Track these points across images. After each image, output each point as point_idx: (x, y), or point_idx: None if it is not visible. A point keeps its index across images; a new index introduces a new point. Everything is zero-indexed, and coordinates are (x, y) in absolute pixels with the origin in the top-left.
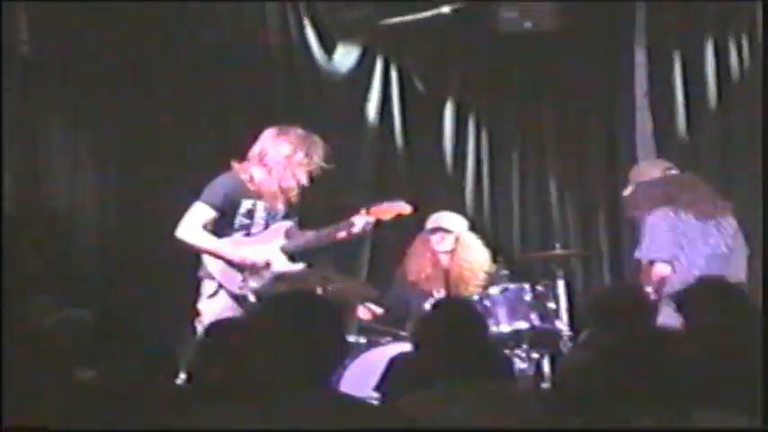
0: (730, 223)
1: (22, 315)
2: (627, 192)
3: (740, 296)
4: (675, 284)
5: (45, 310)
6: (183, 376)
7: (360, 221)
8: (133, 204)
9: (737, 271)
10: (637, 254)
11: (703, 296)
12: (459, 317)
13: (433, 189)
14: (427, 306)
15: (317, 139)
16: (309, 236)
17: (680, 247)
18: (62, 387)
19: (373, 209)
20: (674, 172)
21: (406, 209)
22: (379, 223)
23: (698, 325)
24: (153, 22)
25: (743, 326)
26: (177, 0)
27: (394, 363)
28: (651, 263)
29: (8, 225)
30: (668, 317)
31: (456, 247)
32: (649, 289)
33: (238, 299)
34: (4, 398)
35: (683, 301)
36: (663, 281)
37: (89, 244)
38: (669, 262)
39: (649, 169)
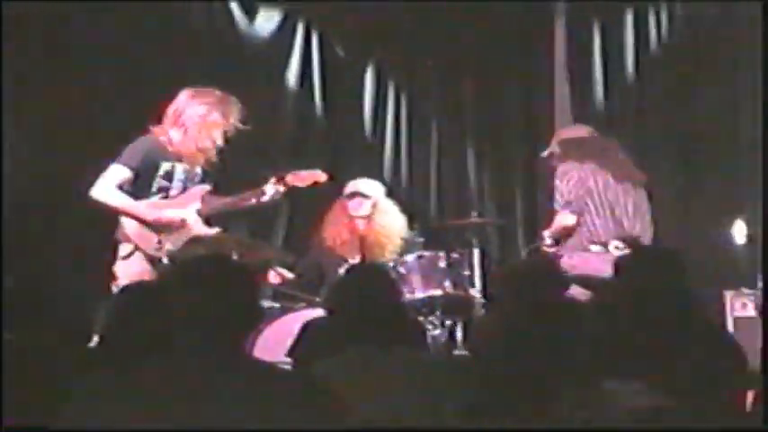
0: (639, 192)
1: None
2: (549, 152)
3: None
4: (581, 238)
5: None
6: (95, 339)
7: (270, 190)
8: (49, 168)
9: (644, 229)
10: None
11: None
12: (371, 282)
13: (352, 155)
14: (341, 271)
15: (233, 99)
16: (225, 201)
17: (587, 201)
18: None
19: (289, 176)
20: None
21: (321, 177)
22: (294, 190)
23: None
24: None
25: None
26: None
27: (307, 328)
28: (555, 212)
29: None
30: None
31: (373, 213)
32: (546, 233)
33: (153, 261)
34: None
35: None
36: (566, 230)
37: (5, 208)
38: (575, 213)
39: (575, 130)
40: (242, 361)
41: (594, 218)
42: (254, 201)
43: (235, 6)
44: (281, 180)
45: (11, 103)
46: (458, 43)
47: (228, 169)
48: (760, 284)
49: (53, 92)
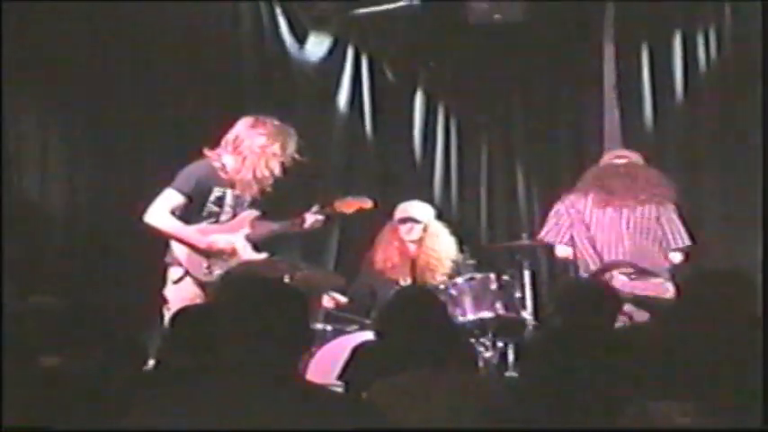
0: (646, 211)
1: None
2: None
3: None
4: (587, 266)
5: (15, 297)
6: (151, 362)
7: (310, 218)
8: (103, 192)
9: (641, 255)
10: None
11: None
12: (420, 305)
13: (402, 178)
14: (390, 294)
15: (291, 131)
16: (272, 227)
17: (574, 230)
18: (28, 374)
19: (336, 202)
20: (618, 161)
21: (367, 203)
22: (329, 217)
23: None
24: (126, 11)
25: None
26: None
27: (357, 352)
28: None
29: None
30: None
31: (423, 237)
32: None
33: (203, 286)
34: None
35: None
36: (568, 261)
37: (58, 232)
38: (568, 245)
39: (604, 158)
40: (296, 383)
41: (592, 246)
42: (296, 228)
43: (285, 32)
44: (328, 206)
45: (68, 131)
46: (508, 66)
47: (281, 194)
48: None
49: (112, 120)
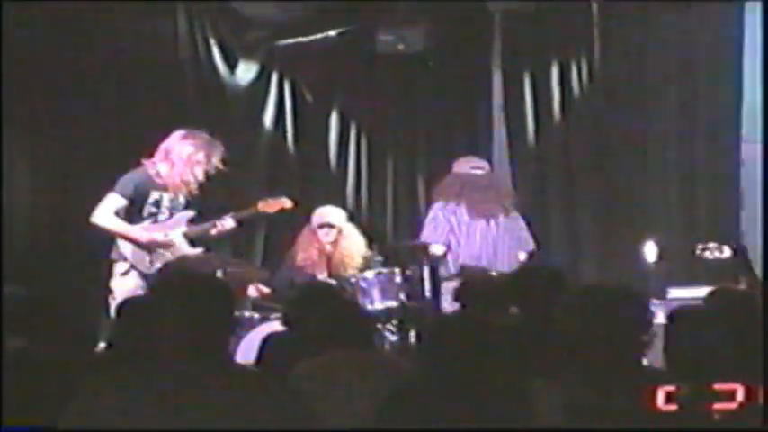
0: (510, 223)
1: None
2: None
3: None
4: (450, 265)
5: None
6: (102, 345)
7: (228, 224)
8: (60, 195)
9: (502, 264)
10: (421, 236)
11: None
12: (325, 296)
13: (319, 185)
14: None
15: (217, 144)
16: (202, 227)
17: (453, 234)
18: None
19: (260, 203)
20: (478, 172)
21: (287, 203)
22: (240, 225)
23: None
24: (79, 37)
25: None
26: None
27: (266, 341)
28: (427, 244)
29: None
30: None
31: (338, 238)
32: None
33: (146, 277)
34: (3, 398)
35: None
36: (437, 258)
37: (21, 229)
38: (444, 244)
39: (461, 164)
40: (224, 364)
41: (459, 247)
42: (214, 231)
43: (218, 59)
44: (252, 207)
45: (31, 141)
46: (410, 89)
47: (215, 197)
48: (668, 296)
49: (66, 133)
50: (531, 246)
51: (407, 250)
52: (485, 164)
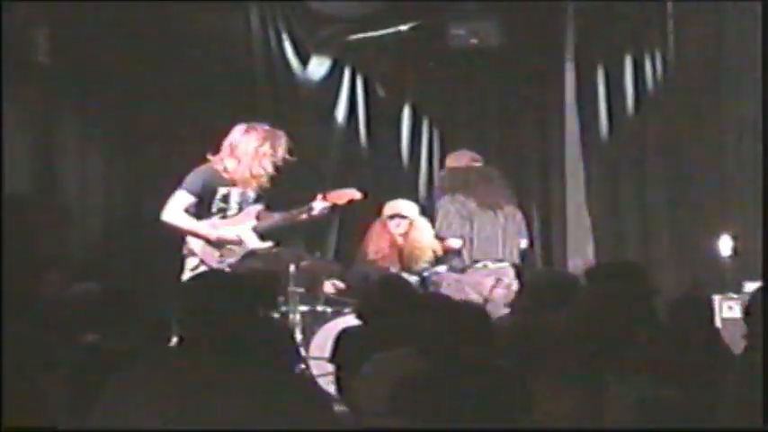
0: (511, 213)
1: (35, 289)
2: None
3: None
4: (465, 258)
5: (58, 284)
6: (175, 339)
7: (318, 206)
8: (133, 192)
9: (510, 253)
10: (435, 232)
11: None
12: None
13: (392, 180)
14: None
15: (281, 133)
16: (277, 217)
17: (467, 227)
18: (73, 349)
19: (330, 194)
20: (478, 164)
21: (356, 194)
22: (335, 207)
23: None
24: (156, 35)
25: None
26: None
27: (341, 337)
28: (443, 238)
29: (26, 211)
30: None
31: (409, 230)
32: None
33: None
34: (3, 398)
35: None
36: (453, 251)
37: (96, 226)
38: (460, 237)
39: (458, 158)
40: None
41: (473, 241)
42: (304, 215)
43: (291, 55)
44: (325, 197)
45: (105, 140)
46: (482, 82)
47: (285, 193)
48: (745, 290)
49: (140, 131)
50: (525, 238)
51: None
52: (479, 157)
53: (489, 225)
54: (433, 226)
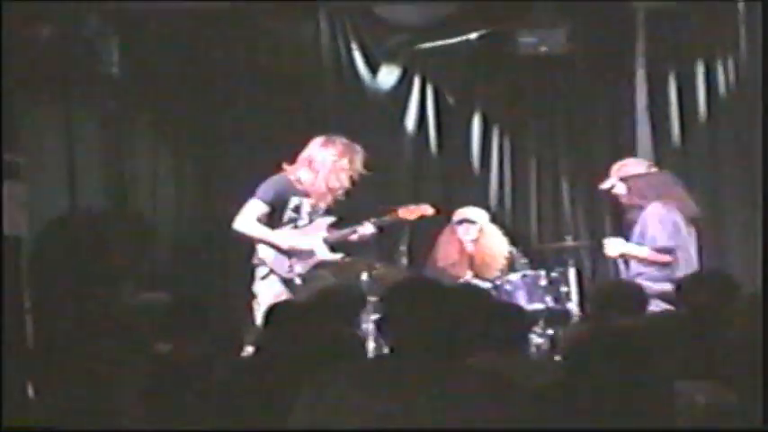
0: (694, 227)
1: (110, 299)
2: (610, 184)
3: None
4: (682, 270)
5: (130, 294)
6: (249, 349)
7: (363, 230)
8: (204, 201)
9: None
10: (650, 242)
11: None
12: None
13: (463, 188)
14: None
15: (358, 148)
16: (342, 232)
17: (679, 237)
18: (145, 359)
19: (400, 210)
20: (654, 169)
21: (428, 210)
22: (381, 229)
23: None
24: (222, 47)
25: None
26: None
27: None
28: (658, 250)
29: (100, 223)
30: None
31: (479, 237)
32: (653, 273)
33: (286, 282)
34: (3, 398)
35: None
36: (667, 266)
37: (167, 236)
38: (672, 250)
39: (637, 165)
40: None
41: (683, 251)
42: (354, 237)
43: (360, 64)
44: (392, 213)
45: (175, 152)
46: (553, 91)
47: (357, 203)
48: None
49: (210, 142)
50: None
51: (554, 252)
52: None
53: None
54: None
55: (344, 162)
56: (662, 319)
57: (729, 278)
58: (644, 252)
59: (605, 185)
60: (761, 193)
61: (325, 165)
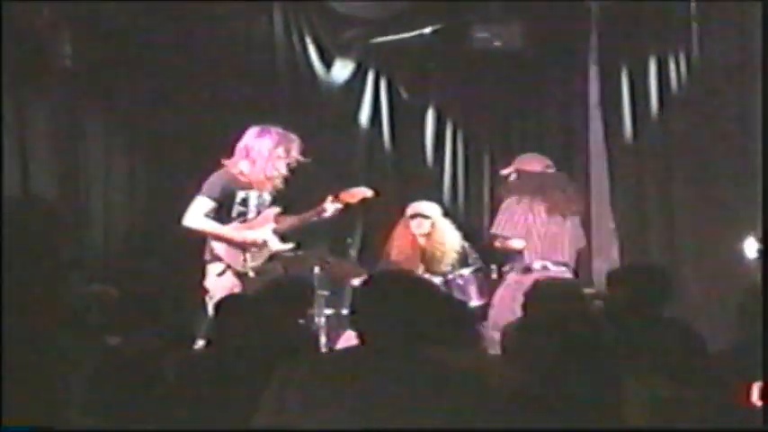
0: (577, 220)
1: (56, 291)
2: (508, 172)
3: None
4: (527, 258)
5: (78, 285)
6: (200, 343)
7: (329, 207)
8: (151, 198)
9: (570, 258)
10: (494, 229)
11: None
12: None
13: (416, 183)
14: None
15: (293, 136)
16: (294, 219)
17: (531, 229)
18: (94, 351)
19: (342, 194)
20: (551, 170)
21: (368, 193)
22: (347, 207)
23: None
24: (174, 41)
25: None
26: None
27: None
28: (506, 238)
29: (48, 213)
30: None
31: (432, 231)
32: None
33: (241, 276)
34: (3, 398)
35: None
36: (514, 252)
37: (116, 231)
38: (523, 238)
39: (532, 162)
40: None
41: (536, 243)
42: (316, 217)
43: (315, 58)
44: (336, 198)
45: (125, 146)
46: (506, 86)
47: (303, 195)
48: None
49: (159, 136)
50: (584, 242)
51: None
52: (551, 163)
53: (555, 228)
54: (491, 225)
55: (280, 150)
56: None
57: (656, 270)
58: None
59: (505, 172)
60: (761, 193)
61: (261, 154)
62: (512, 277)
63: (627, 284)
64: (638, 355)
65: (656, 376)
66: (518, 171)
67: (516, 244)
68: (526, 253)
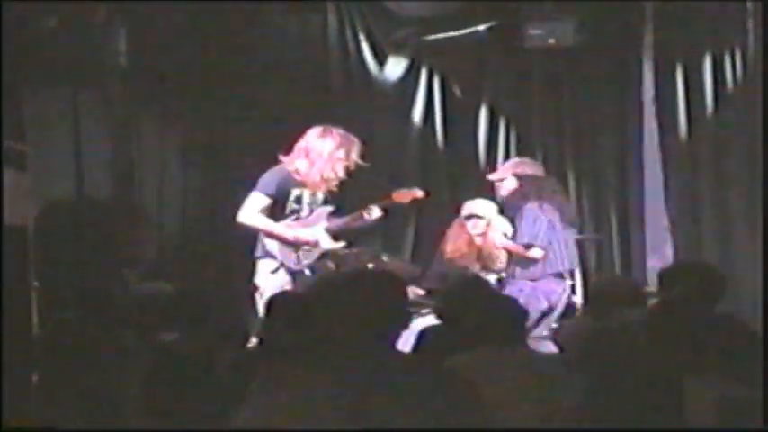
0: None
1: (113, 290)
2: (501, 177)
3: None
4: (540, 267)
5: (136, 282)
6: (254, 341)
7: (369, 214)
8: (205, 196)
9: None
10: (519, 239)
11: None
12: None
13: (469, 180)
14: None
15: (354, 139)
16: (345, 219)
17: (551, 235)
18: (149, 347)
19: (393, 194)
20: (541, 174)
21: (419, 194)
22: (386, 212)
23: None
24: (229, 39)
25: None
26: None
27: (423, 335)
28: (528, 246)
29: (107, 214)
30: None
31: (487, 230)
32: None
33: (294, 274)
34: (3, 398)
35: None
36: (535, 262)
37: (170, 229)
38: (544, 247)
39: (533, 167)
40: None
41: (556, 252)
42: (357, 223)
43: (368, 55)
44: (386, 198)
45: (182, 144)
46: (560, 83)
47: (359, 194)
48: None
49: (217, 133)
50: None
51: None
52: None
53: (570, 238)
54: (513, 227)
55: (341, 153)
56: (660, 313)
57: (709, 268)
58: (517, 248)
59: (494, 177)
60: (761, 193)
61: (321, 156)
62: (527, 284)
63: (681, 283)
64: (699, 355)
65: (719, 376)
66: (518, 176)
67: (536, 253)
68: (540, 263)
